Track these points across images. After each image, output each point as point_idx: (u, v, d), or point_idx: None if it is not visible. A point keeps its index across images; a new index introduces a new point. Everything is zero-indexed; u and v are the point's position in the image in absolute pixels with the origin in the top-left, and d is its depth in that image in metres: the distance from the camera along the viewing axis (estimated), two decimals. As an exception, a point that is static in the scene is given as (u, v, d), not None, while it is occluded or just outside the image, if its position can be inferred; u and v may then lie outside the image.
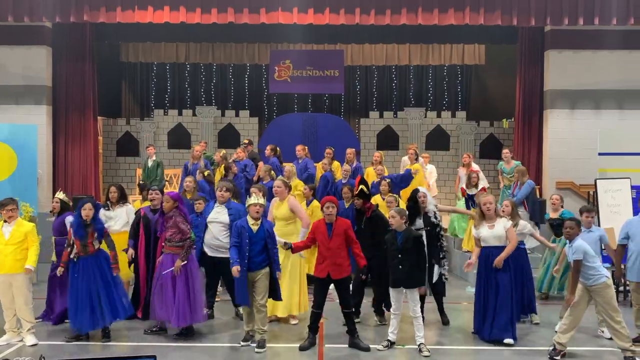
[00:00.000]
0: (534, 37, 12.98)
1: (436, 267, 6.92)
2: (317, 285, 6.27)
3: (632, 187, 9.40)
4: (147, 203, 7.37)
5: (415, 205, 6.97)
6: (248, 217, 6.23)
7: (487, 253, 6.52)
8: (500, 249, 6.46)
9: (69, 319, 6.44)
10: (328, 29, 12.85)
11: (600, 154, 10.74)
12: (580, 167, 12.14)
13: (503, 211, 7.04)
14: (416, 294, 6.19)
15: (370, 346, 6.28)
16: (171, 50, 15.51)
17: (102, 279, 6.32)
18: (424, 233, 6.88)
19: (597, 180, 9.58)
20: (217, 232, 6.90)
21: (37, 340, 6.35)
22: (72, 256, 6.32)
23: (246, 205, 6.31)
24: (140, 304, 7.02)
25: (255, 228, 6.14)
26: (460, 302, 8.23)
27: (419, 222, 6.92)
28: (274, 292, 6.28)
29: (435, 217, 7.03)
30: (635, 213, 9.16)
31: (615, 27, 11.76)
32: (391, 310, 6.32)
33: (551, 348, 6.06)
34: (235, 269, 6.06)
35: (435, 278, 6.92)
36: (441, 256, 7.01)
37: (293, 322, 7.14)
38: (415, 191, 7.15)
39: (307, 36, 13.47)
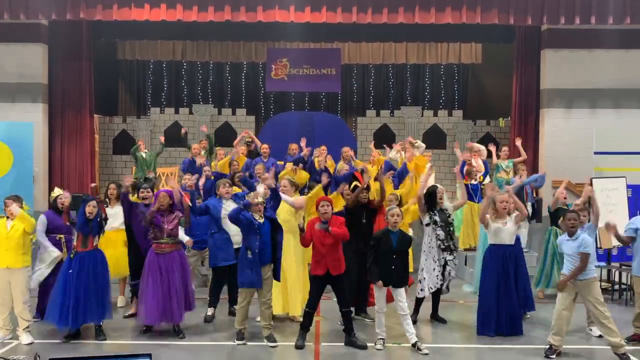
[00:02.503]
0: (530, 36, 13.00)
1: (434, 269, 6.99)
2: (315, 284, 6.28)
3: (628, 186, 9.44)
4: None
5: (433, 200, 7.03)
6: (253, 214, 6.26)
7: (500, 252, 6.57)
8: (511, 247, 6.60)
9: (48, 312, 6.33)
10: (325, 27, 12.84)
11: (596, 152, 10.77)
12: (576, 166, 12.16)
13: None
14: (402, 291, 6.23)
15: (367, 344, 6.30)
16: (168, 48, 15.49)
17: (95, 278, 6.31)
18: (439, 229, 6.97)
19: (593, 179, 9.61)
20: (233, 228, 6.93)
21: (33, 339, 6.34)
22: (70, 254, 6.34)
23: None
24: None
25: (261, 221, 6.23)
26: (456, 300, 8.24)
27: (437, 217, 7.02)
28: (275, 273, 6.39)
29: (450, 216, 7.15)
30: (631, 211, 9.23)
31: (612, 26, 11.79)
32: (376, 309, 6.32)
33: (547, 347, 6.08)
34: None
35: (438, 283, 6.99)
36: (453, 256, 7.12)
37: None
38: (435, 187, 7.26)
39: (304, 34, 13.45)
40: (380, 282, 6.21)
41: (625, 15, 11.43)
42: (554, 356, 6.00)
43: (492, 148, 11.12)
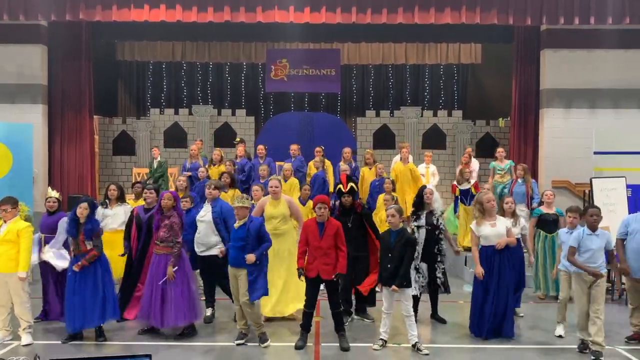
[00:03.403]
0: (529, 36, 13.00)
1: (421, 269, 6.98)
2: (308, 284, 6.27)
3: (627, 186, 9.44)
4: (141, 202, 7.37)
5: (420, 201, 7.00)
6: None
7: (488, 253, 6.52)
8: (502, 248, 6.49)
9: (64, 317, 6.45)
10: (324, 28, 12.84)
11: (595, 153, 10.75)
12: (575, 166, 12.17)
13: (510, 207, 7.12)
14: (408, 292, 6.19)
15: (365, 345, 6.31)
16: (167, 49, 15.49)
17: (93, 280, 6.28)
18: (424, 230, 6.91)
19: (593, 179, 9.60)
20: (202, 230, 6.97)
21: (32, 340, 6.33)
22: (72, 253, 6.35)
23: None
24: (130, 304, 7.03)
25: (236, 226, 6.25)
26: (457, 300, 8.23)
27: (422, 220, 6.94)
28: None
29: (438, 220, 7.03)
30: (630, 211, 9.22)
31: (611, 26, 11.79)
32: (383, 309, 6.31)
33: (579, 343, 6.19)
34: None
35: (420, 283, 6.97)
36: (438, 259, 7.03)
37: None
38: (422, 187, 7.24)
39: (303, 35, 13.46)
40: (380, 285, 6.25)
41: (625, 15, 11.44)
42: (587, 350, 6.09)
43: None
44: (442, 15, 11.58)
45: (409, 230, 6.66)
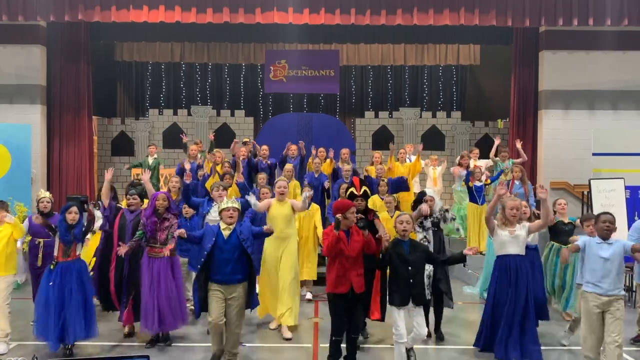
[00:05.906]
0: (528, 37, 13.02)
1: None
2: (336, 305, 5.44)
3: (626, 188, 9.46)
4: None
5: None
6: (220, 222, 5.72)
7: (507, 262, 5.75)
8: (519, 257, 5.76)
9: (37, 329, 5.95)
10: (323, 29, 12.85)
11: (594, 154, 10.79)
12: (574, 168, 12.19)
13: (525, 213, 6.32)
14: (421, 310, 5.55)
15: (364, 347, 6.29)
16: (166, 50, 15.49)
17: (79, 290, 5.93)
18: (431, 232, 6.79)
19: (591, 181, 9.63)
20: None
21: (8, 349, 6.12)
22: (51, 265, 5.97)
23: (218, 210, 5.90)
24: (116, 308, 6.83)
25: (226, 233, 5.61)
26: (456, 302, 8.20)
27: (428, 223, 6.77)
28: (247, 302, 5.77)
29: (442, 220, 6.87)
30: (629, 213, 9.26)
31: (610, 27, 11.81)
32: (395, 336, 5.44)
33: None
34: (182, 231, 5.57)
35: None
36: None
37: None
38: (422, 194, 7.00)
39: (302, 36, 13.47)
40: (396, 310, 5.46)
41: (623, 16, 11.45)
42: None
43: (497, 140, 11.46)
44: (441, 17, 11.59)
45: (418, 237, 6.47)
